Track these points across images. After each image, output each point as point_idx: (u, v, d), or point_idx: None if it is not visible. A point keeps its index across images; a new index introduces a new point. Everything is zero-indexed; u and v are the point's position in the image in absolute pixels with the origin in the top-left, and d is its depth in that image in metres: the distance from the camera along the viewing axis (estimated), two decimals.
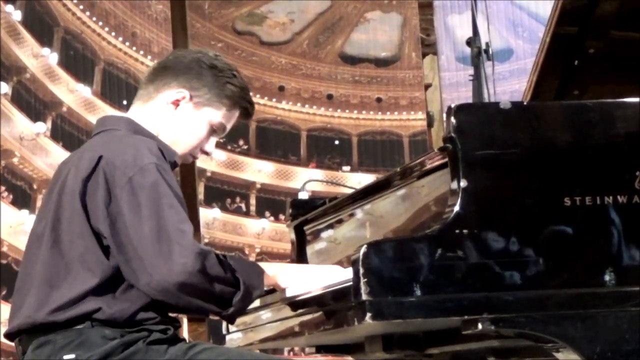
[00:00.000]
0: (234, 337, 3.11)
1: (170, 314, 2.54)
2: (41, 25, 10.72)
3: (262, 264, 2.59)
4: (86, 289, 2.41)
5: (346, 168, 13.31)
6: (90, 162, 2.49)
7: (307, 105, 13.57)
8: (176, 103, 2.68)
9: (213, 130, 2.73)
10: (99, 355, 2.38)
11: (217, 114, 2.71)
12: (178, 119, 2.69)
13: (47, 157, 10.43)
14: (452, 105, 2.38)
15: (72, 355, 2.39)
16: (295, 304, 2.64)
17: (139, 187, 2.42)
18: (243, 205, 13.14)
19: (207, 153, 2.75)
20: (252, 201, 13.32)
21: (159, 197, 2.43)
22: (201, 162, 11.62)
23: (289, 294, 2.61)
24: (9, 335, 2.55)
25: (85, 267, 2.43)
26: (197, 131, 2.71)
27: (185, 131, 2.70)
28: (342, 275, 2.44)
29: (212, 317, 2.62)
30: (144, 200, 2.41)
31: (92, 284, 2.42)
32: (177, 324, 2.54)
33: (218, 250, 2.84)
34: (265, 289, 2.61)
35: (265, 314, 2.87)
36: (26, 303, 2.49)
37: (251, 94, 2.81)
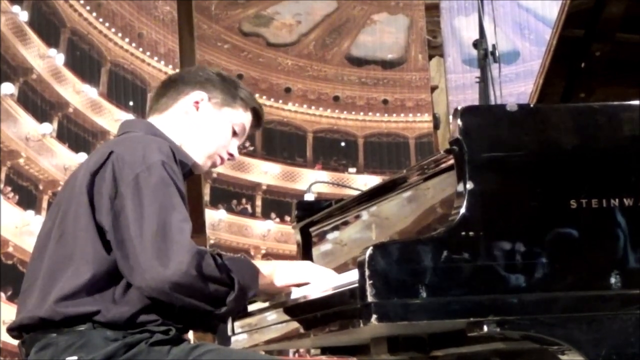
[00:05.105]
0: (239, 338, 3.11)
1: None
2: (48, 26, 10.72)
3: (257, 263, 2.61)
4: (82, 281, 2.42)
5: (352, 170, 13.28)
6: (100, 156, 2.53)
7: (313, 107, 13.56)
8: (196, 105, 2.74)
9: (234, 132, 2.78)
10: (102, 357, 2.39)
11: (236, 114, 2.78)
12: (201, 119, 2.75)
13: (53, 158, 10.43)
14: (459, 108, 2.38)
15: (75, 357, 2.40)
16: (300, 307, 2.64)
17: (145, 184, 2.44)
18: (249, 207, 13.13)
19: (232, 155, 2.78)
20: (258, 202, 13.30)
21: (163, 196, 2.44)
22: None
23: (292, 296, 2.62)
24: (11, 330, 2.56)
25: (84, 260, 2.45)
26: (222, 130, 2.77)
27: (211, 131, 2.75)
28: (337, 277, 2.44)
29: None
30: (147, 199, 2.43)
31: (87, 276, 2.43)
32: (181, 326, 2.53)
33: (224, 251, 2.84)
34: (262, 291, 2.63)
35: (271, 316, 2.87)
36: (30, 298, 2.51)
37: (257, 95, 2.89)
